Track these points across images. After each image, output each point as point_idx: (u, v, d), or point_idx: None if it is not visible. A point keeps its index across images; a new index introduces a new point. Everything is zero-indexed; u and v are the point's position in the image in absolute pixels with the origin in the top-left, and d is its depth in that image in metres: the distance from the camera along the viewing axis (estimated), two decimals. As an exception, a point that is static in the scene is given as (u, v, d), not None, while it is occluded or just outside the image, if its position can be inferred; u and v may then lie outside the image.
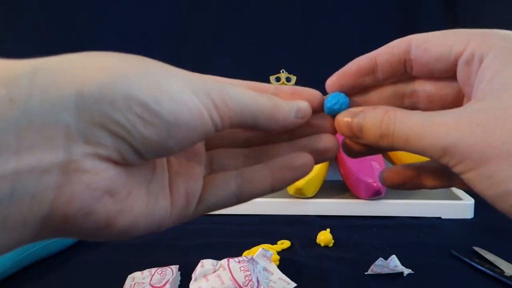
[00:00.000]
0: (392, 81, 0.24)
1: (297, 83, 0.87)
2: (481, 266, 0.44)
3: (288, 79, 0.86)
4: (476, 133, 0.18)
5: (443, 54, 0.21)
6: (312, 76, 1.15)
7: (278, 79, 0.86)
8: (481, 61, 0.20)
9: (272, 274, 0.42)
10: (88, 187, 0.15)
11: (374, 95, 0.24)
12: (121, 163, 0.17)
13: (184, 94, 0.17)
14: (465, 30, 0.21)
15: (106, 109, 0.15)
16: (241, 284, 0.35)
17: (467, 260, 0.46)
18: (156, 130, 0.16)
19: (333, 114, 0.23)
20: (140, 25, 1.08)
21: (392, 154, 0.68)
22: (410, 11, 1.04)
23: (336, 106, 0.23)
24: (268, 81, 0.87)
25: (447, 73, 0.22)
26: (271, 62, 0.99)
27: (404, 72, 0.23)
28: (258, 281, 0.37)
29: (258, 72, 0.92)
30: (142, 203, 0.18)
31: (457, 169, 0.19)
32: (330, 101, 0.23)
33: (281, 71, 0.87)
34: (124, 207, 0.17)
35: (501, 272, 0.43)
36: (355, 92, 0.24)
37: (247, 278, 0.36)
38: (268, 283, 0.40)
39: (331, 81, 0.24)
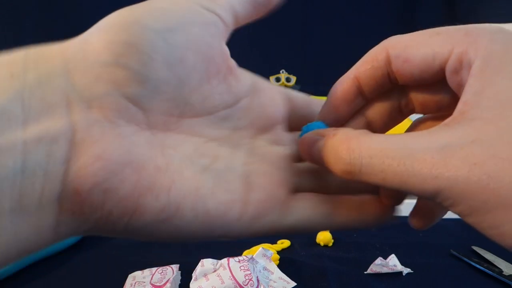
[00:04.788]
0: (384, 98, 0.21)
1: (297, 83, 0.88)
2: (479, 265, 0.44)
3: (288, 79, 0.86)
4: (474, 176, 0.14)
5: (426, 63, 0.17)
6: (312, 76, 1.15)
7: (278, 79, 0.86)
8: (470, 68, 0.16)
9: (272, 273, 0.42)
10: (100, 157, 0.14)
11: (375, 115, 0.21)
12: (142, 125, 0.15)
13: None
14: (447, 30, 0.17)
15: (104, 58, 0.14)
16: (241, 284, 0.36)
17: (466, 259, 0.46)
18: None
19: None
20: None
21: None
22: (410, 11, 1.05)
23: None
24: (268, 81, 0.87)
25: (436, 79, 0.18)
26: (271, 62, 0.99)
27: (391, 84, 0.20)
28: (258, 281, 0.37)
29: (258, 72, 0.92)
30: (189, 183, 0.16)
31: (453, 210, 0.15)
32: (304, 131, 0.20)
33: (281, 71, 0.88)
34: (156, 183, 0.15)
35: (500, 271, 0.43)
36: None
37: (247, 278, 0.36)
38: (268, 282, 0.40)
39: (322, 116, 0.21)
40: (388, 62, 0.18)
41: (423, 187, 0.15)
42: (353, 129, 0.18)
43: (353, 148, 0.16)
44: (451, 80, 0.17)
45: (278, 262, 0.45)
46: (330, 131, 0.18)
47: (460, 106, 0.16)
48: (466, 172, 0.14)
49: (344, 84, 0.20)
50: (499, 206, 0.14)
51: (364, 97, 0.20)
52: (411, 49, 0.18)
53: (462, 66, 0.16)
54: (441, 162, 0.14)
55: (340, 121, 0.21)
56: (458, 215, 0.15)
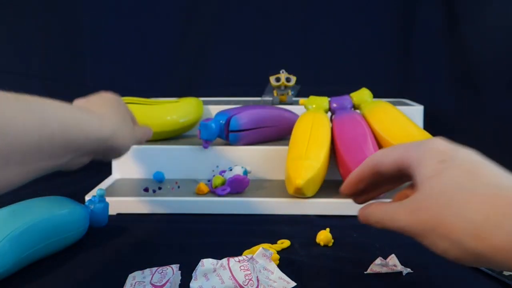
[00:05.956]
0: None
1: (297, 83, 0.88)
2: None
3: (288, 79, 0.86)
4: (413, 218, 0.30)
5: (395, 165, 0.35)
6: (312, 76, 1.15)
7: (278, 79, 0.86)
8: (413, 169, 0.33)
9: (272, 273, 0.42)
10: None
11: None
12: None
13: (130, 142, 0.47)
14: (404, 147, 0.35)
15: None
16: (241, 283, 0.36)
17: (466, 259, 0.46)
18: (113, 156, 0.46)
19: None
20: (141, 24, 1.08)
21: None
22: (410, 11, 1.05)
23: None
24: (268, 81, 0.87)
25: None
26: (271, 62, 1.00)
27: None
28: (258, 280, 0.37)
29: (258, 72, 0.93)
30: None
31: (417, 239, 0.31)
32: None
33: (281, 71, 0.88)
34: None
35: (500, 271, 0.43)
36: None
37: (247, 277, 0.36)
38: (268, 282, 0.40)
39: (341, 191, 0.42)
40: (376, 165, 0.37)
41: (397, 227, 0.32)
42: (380, 202, 0.35)
43: (372, 209, 0.35)
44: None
45: (278, 262, 0.45)
46: (373, 203, 0.36)
47: (416, 187, 0.32)
48: (410, 215, 0.31)
49: (358, 173, 0.39)
50: (427, 234, 0.30)
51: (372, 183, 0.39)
52: (382, 156, 0.36)
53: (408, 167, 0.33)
54: (401, 212, 0.32)
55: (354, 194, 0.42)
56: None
